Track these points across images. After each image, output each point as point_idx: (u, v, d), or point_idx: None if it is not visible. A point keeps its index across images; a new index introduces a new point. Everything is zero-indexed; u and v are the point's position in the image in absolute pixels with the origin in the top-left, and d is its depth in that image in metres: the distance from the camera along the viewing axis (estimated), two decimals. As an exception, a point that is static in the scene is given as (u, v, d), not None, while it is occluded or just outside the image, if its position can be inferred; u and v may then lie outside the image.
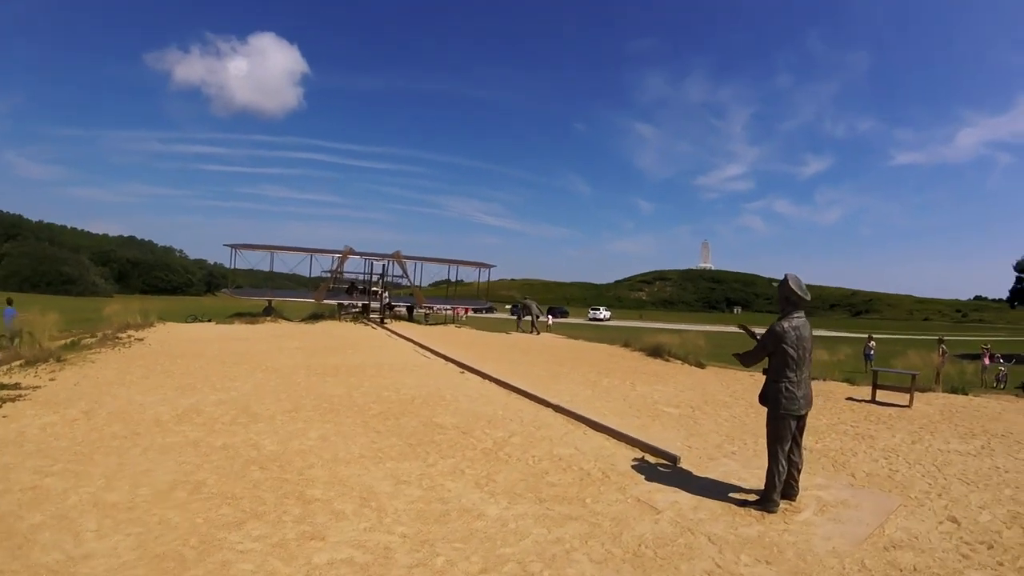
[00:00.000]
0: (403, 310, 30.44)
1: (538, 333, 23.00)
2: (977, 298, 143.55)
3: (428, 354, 13.48)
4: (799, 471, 4.35)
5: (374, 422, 6.45)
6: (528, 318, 24.18)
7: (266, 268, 27.54)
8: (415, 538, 3.57)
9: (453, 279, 31.66)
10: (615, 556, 3.42)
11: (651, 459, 5.40)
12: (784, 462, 4.17)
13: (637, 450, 5.66)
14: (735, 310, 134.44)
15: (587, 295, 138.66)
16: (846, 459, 5.66)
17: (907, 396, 8.57)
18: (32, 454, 4.99)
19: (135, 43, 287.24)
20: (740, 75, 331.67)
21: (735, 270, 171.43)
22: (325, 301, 27.03)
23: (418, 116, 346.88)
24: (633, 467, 5.15)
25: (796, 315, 4.22)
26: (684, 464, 5.23)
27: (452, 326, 27.09)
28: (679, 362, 13.85)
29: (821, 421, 7.31)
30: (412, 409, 7.14)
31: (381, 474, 4.74)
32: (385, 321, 24.42)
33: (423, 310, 31.03)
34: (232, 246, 25.76)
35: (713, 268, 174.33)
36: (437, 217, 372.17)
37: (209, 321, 23.09)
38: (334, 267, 27.93)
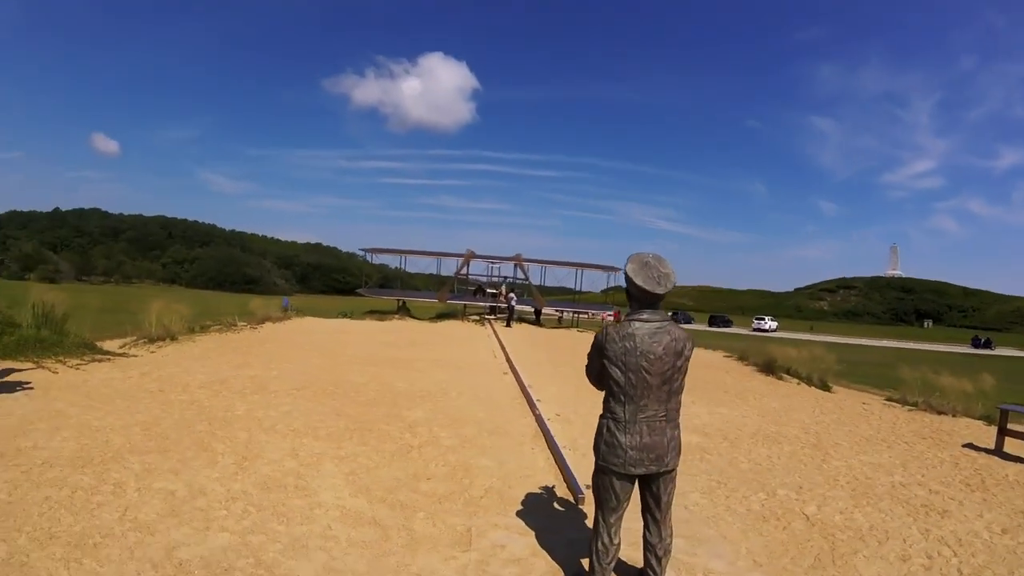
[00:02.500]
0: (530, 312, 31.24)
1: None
2: None
3: (497, 353, 13.86)
4: (659, 559, 2.87)
5: (347, 406, 6.92)
6: None
7: (434, 271, 30.06)
8: (222, 497, 3.87)
9: (576, 284, 31.55)
10: None
11: (559, 490, 4.50)
12: (607, 539, 2.81)
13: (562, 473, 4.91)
14: (925, 323, 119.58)
15: (763, 304, 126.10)
16: (858, 547, 3.72)
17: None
18: (79, 394, 6.41)
19: (314, 71, 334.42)
20: (919, 59, 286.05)
21: (926, 277, 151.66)
22: (449, 301, 28.95)
23: (587, 123, 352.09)
24: (529, 493, 4.35)
25: (642, 317, 2.72)
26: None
27: (574, 330, 27.19)
28: (796, 381, 12.21)
29: (893, 477, 5.38)
30: (397, 400, 7.48)
31: (286, 445, 5.14)
32: (510, 323, 25.36)
33: (557, 313, 31.56)
34: (366, 250, 28.92)
35: (902, 275, 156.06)
36: (609, 223, 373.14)
37: (347, 316, 26.15)
38: (458, 270, 29.74)
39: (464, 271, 29.91)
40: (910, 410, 9.20)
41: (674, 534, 2.99)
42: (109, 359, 8.79)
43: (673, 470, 2.82)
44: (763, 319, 64.93)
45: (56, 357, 7.92)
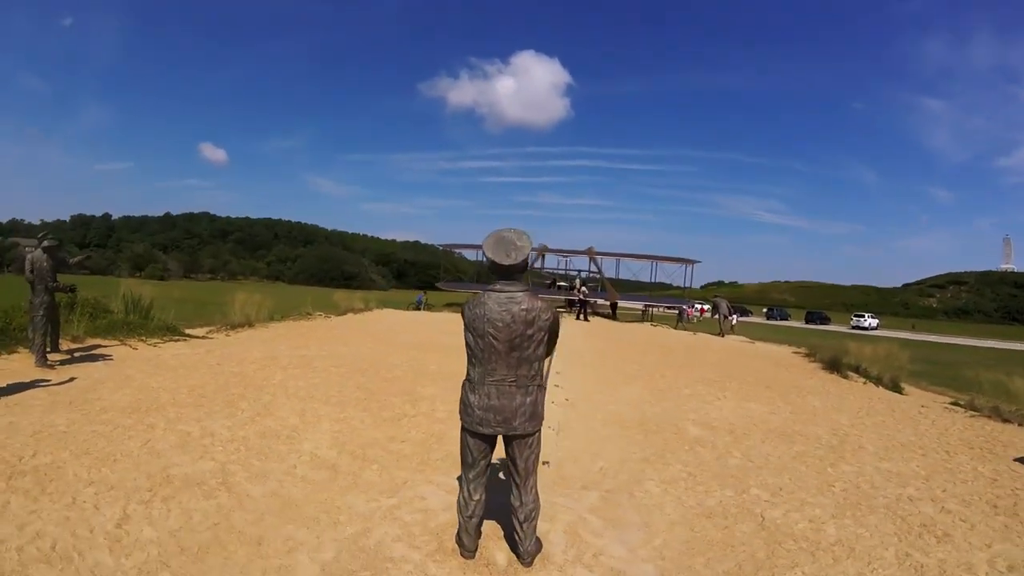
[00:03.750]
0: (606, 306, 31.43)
1: (723, 335, 21.77)
2: None
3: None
4: (521, 523, 3.07)
5: (371, 381, 7.83)
6: (717, 317, 23.43)
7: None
8: (225, 439, 4.85)
9: (653, 277, 31.24)
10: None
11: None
12: (466, 494, 3.10)
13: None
14: None
15: (868, 300, 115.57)
16: (801, 562, 3.34)
17: None
18: (149, 364, 7.83)
19: (410, 77, 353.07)
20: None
21: None
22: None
23: (684, 114, 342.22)
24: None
25: (495, 287, 2.98)
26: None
27: (647, 324, 27.08)
28: (863, 381, 11.56)
29: (905, 490, 4.79)
30: (420, 379, 8.28)
31: (298, 407, 6.08)
32: (584, 317, 25.86)
33: (639, 307, 31.61)
34: (444, 246, 30.53)
35: (1016, 270, 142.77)
36: (710, 217, 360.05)
37: (419, 309, 27.89)
38: (531, 263, 30.54)
39: (538, 264, 30.66)
40: (972, 416, 8.33)
41: (586, 511, 3.43)
42: (185, 340, 10.42)
43: (527, 436, 3.02)
44: (863, 316, 60.49)
45: (138, 337, 9.60)
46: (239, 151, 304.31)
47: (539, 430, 3.09)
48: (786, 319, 62.35)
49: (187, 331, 11.17)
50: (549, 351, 3.16)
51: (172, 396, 6.16)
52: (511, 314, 2.92)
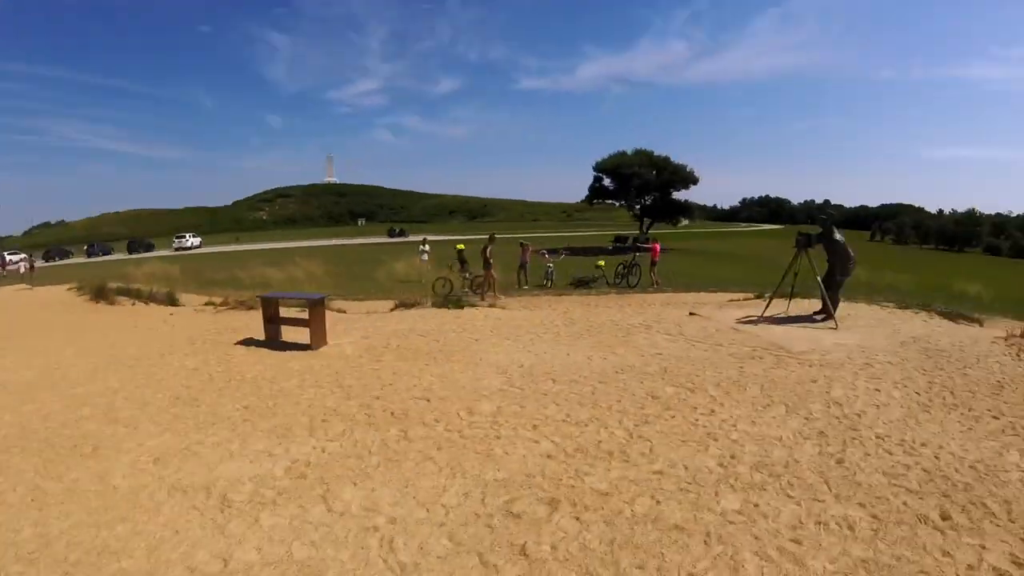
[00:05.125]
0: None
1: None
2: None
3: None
4: None
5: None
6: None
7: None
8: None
9: None
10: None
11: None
12: None
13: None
14: (360, 222, 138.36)
15: (200, 220, 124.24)
16: None
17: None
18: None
19: None
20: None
21: (361, 183, 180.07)
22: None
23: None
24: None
25: None
26: None
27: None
28: (132, 302, 13.80)
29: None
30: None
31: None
32: None
33: None
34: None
35: (337, 182, 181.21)
36: (36, 146, 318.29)
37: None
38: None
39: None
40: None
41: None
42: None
43: None
44: (184, 236, 63.30)
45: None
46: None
47: None
48: (108, 254, 58.43)
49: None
50: None
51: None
52: None
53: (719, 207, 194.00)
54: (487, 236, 16.87)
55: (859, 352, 7.70)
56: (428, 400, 6.13)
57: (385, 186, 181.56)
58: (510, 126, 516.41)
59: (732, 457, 4.60)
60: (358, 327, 10.13)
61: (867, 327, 9.25)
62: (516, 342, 8.73)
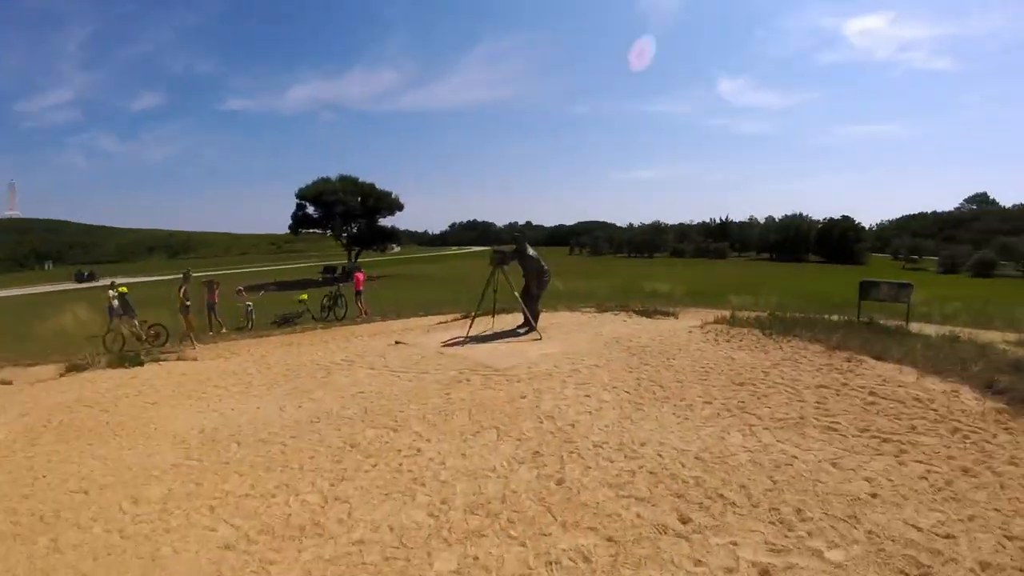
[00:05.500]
0: None
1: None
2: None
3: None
4: None
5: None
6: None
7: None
8: None
9: None
10: None
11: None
12: None
13: None
14: (47, 265, 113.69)
15: None
16: None
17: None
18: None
19: None
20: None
21: (48, 217, 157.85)
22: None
23: None
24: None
25: None
26: None
27: None
28: None
29: None
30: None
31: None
32: None
33: None
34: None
35: (21, 216, 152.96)
36: None
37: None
38: None
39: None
40: None
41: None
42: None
43: None
44: None
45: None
46: None
47: None
48: None
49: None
50: None
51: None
52: None
53: (430, 232, 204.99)
54: (181, 274, 15.09)
55: (565, 360, 7.91)
56: (87, 492, 4.96)
57: (76, 221, 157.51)
58: (217, 150, 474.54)
59: (443, 503, 4.12)
60: (16, 402, 8.45)
61: (570, 333, 9.80)
62: (200, 401, 7.57)
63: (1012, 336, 9.94)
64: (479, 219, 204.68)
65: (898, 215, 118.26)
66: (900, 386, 6.35)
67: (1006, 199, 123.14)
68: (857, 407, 5.66)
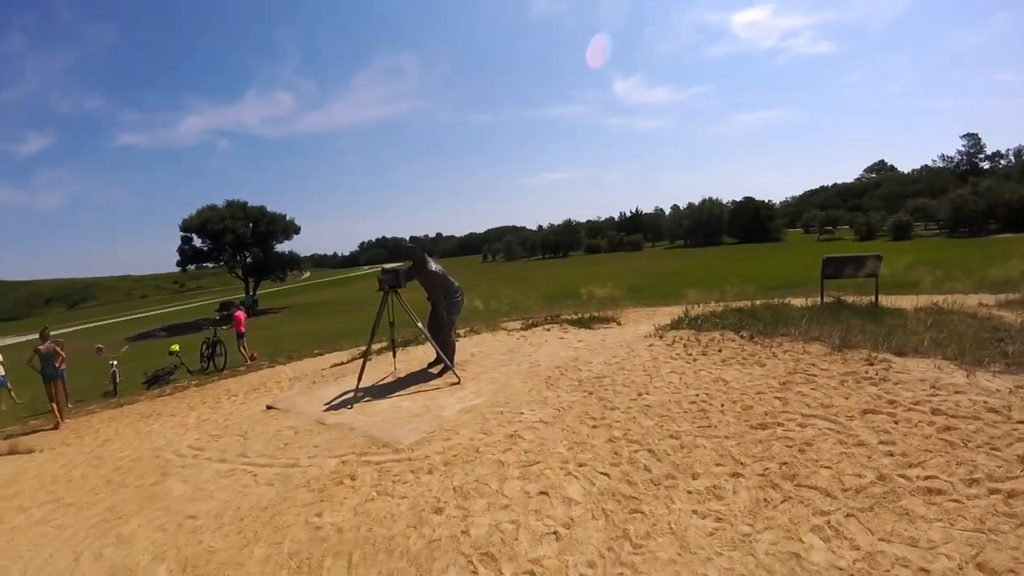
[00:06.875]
0: None
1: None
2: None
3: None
4: None
5: None
6: None
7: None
8: None
9: None
10: None
11: None
12: None
13: None
14: None
15: None
16: None
17: None
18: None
19: None
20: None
21: None
22: None
23: None
24: None
25: None
26: None
27: None
28: None
29: None
30: None
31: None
32: None
33: None
34: None
35: None
36: None
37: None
38: None
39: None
40: None
41: None
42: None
43: None
44: None
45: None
46: None
47: None
48: None
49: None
50: None
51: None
52: None
53: (339, 254, 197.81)
54: (37, 334, 11.58)
55: (496, 417, 5.53)
56: None
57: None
58: (111, 189, 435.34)
59: None
60: None
61: (497, 367, 7.47)
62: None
63: (990, 299, 9.01)
64: (388, 235, 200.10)
65: (800, 191, 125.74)
66: (958, 392, 4.60)
67: (905, 165, 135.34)
68: (936, 442, 3.79)
